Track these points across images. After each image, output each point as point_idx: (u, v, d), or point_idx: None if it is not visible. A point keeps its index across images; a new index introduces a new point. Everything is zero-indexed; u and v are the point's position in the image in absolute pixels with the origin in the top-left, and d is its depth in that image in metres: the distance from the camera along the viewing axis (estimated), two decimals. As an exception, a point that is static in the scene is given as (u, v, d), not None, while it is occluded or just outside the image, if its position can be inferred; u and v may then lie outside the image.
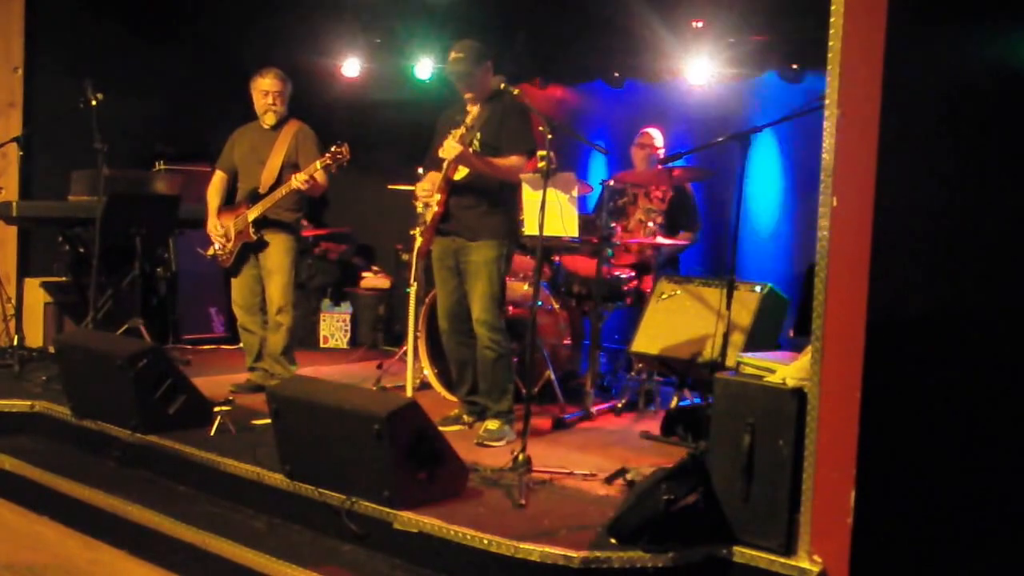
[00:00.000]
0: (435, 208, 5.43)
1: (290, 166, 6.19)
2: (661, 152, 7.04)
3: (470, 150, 5.25)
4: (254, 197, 6.20)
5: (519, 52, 7.59)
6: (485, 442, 5.25)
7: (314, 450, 4.46)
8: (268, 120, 6.31)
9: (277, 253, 6.25)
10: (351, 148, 5.97)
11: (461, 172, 5.37)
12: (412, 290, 6.15)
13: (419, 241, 5.59)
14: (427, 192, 5.48)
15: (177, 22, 8.49)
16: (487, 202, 5.38)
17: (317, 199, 8.82)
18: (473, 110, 5.32)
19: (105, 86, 6.54)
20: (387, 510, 4.18)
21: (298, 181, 5.99)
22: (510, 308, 5.97)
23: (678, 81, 7.50)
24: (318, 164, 5.96)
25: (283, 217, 6.25)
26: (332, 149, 5.96)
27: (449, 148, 5.18)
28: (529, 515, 4.17)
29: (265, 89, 6.29)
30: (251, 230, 6.18)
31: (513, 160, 5.29)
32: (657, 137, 7.09)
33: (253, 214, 6.17)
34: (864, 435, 3.37)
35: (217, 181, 6.50)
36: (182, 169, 8.32)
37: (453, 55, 5.35)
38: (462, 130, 5.23)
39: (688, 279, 6.24)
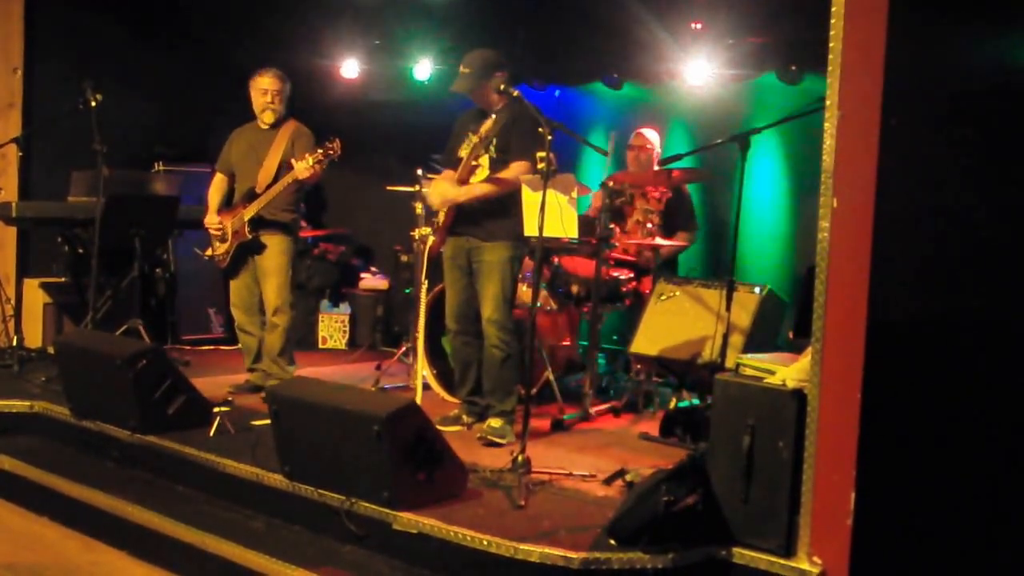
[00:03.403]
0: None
1: (287, 166, 6.18)
2: (656, 152, 7.03)
3: (470, 182, 5.39)
4: (251, 197, 6.20)
5: (519, 53, 7.58)
6: (489, 437, 5.25)
7: (313, 451, 4.46)
8: (266, 119, 6.31)
9: (274, 254, 6.25)
10: (350, 149, 5.97)
11: (478, 176, 5.39)
12: (423, 288, 6.15)
13: (431, 240, 5.60)
14: (439, 192, 5.52)
15: (176, 23, 8.48)
16: (502, 204, 5.39)
17: (316, 201, 8.84)
18: (487, 122, 5.33)
19: (104, 87, 6.54)
20: (386, 511, 4.18)
21: (299, 170, 5.97)
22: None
23: (677, 83, 7.50)
24: (310, 160, 5.95)
25: (280, 217, 6.25)
26: (325, 144, 5.96)
27: (441, 195, 5.40)
28: (528, 516, 4.17)
29: (264, 88, 6.29)
30: (247, 229, 6.17)
31: (513, 169, 5.31)
32: (651, 138, 7.08)
33: (249, 213, 6.17)
34: (864, 437, 3.38)
35: (218, 182, 6.51)
36: (181, 170, 8.32)
37: (461, 69, 5.38)
38: (475, 139, 5.26)
39: (687, 280, 6.25)
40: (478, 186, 5.40)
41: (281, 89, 6.31)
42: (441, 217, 5.52)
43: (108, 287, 7.29)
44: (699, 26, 7.09)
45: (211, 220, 6.37)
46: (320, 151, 5.95)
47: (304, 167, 5.94)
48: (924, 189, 3.52)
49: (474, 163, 5.39)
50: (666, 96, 7.75)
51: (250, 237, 6.20)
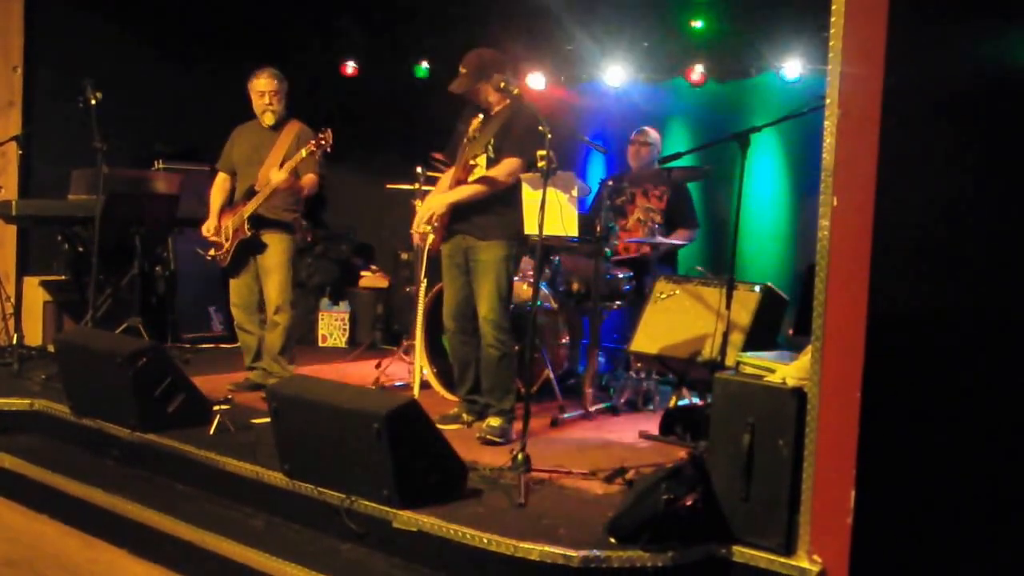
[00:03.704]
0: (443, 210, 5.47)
1: (290, 172, 6.19)
2: (658, 150, 7.04)
3: (466, 178, 5.38)
4: (251, 195, 6.20)
5: (520, 51, 7.58)
6: (488, 436, 5.25)
7: (313, 449, 4.46)
8: (267, 120, 6.31)
9: (275, 253, 6.25)
10: (350, 147, 5.98)
11: (475, 175, 5.40)
12: (422, 287, 6.15)
13: (430, 239, 5.62)
14: (443, 190, 5.54)
15: (176, 21, 8.48)
16: (498, 203, 5.39)
17: (316, 199, 8.84)
18: (475, 122, 5.34)
19: (104, 85, 6.54)
20: (386, 509, 4.17)
21: (277, 178, 5.99)
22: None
23: (677, 81, 7.51)
24: (303, 152, 5.96)
25: (281, 216, 6.25)
26: (316, 136, 5.97)
27: (435, 205, 5.40)
28: (528, 514, 4.16)
29: (261, 90, 6.28)
30: (246, 226, 6.17)
31: (503, 166, 5.31)
32: (653, 135, 7.09)
33: (248, 211, 6.17)
34: (864, 435, 3.37)
35: (220, 181, 6.51)
36: (181, 168, 8.31)
37: (460, 69, 5.39)
38: (466, 140, 5.27)
39: (687, 278, 6.24)
40: (459, 191, 5.40)
41: (278, 89, 6.30)
42: (438, 217, 5.52)
43: (108, 285, 7.30)
44: (699, 24, 7.10)
45: (207, 227, 6.37)
46: (312, 143, 5.96)
47: (280, 175, 5.99)
48: (924, 187, 3.51)
49: (472, 163, 5.40)
50: (666, 94, 7.76)
51: (250, 235, 6.19)
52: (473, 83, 5.38)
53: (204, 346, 8.12)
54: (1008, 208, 3.70)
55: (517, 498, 4.29)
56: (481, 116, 5.42)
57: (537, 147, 4.90)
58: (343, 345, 8.53)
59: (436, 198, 5.50)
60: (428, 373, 6.43)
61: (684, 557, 3.73)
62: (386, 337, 8.48)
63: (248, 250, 6.27)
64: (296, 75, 6.59)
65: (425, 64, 8.64)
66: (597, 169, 8.13)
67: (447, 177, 5.63)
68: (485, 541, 3.87)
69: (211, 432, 5.27)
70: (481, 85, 5.38)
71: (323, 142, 5.94)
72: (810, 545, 3.55)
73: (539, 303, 5.40)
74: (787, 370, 3.78)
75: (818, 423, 3.51)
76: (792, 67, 6.81)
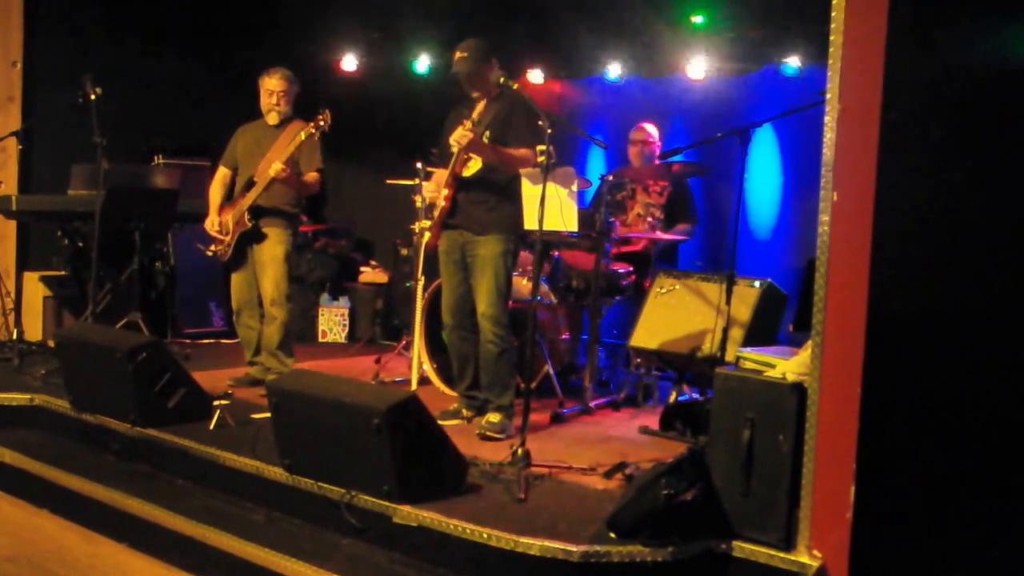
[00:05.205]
0: (442, 203, 5.45)
1: (291, 163, 6.19)
2: (657, 146, 7.04)
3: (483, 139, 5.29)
4: (250, 186, 6.21)
5: (519, 46, 7.58)
6: (487, 432, 5.25)
7: (313, 444, 4.46)
8: (272, 119, 6.34)
9: (271, 245, 6.25)
10: (350, 143, 5.98)
11: (470, 169, 5.39)
12: (420, 283, 6.14)
13: (427, 235, 5.60)
14: (434, 193, 5.52)
15: (176, 16, 8.48)
16: (494, 197, 5.39)
17: (316, 194, 8.85)
18: (479, 105, 5.35)
19: (104, 80, 6.54)
20: (386, 504, 4.18)
21: (275, 169, 5.99)
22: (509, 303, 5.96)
23: (677, 76, 7.50)
24: (302, 135, 5.97)
25: (281, 207, 6.26)
26: (315, 117, 5.98)
27: (460, 136, 5.17)
28: (528, 509, 4.17)
29: (271, 89, 6.31)
30: (247, 217, 6.17)
31: (523, 151, 5.31)
32: (652, 132, 7.09)
33: (247, 203, 6.16)
34: (864, 430, 3.38)
35: (220, 176, 6.50)
36: (181, 163, 8.32)
37: (457, 55, 5.38)
38: (469, 124, 5.25)
39: (687, 274, 6.24)
40: (495, 148, 5.29)
41: (287, 90, 6.33)
42: (436, 211, 5.51)
43: (108, 280, 7.29)
44: (699, 19, 7.10)
45: (211, 222, 6.36)
46: (311, 124, 5.97)
47: (277, 165, 5.98)
48: (924, 182, 3.51)
49: (466, 156, 5.37)
50: (666, 89, 7.76)
51: (250, 226, 6.19)
52: (473, 65, 5.35)
53: (204, 341, 8.13)
54: (1009, 202, 3.70)
55: (517, 493, 4.29)
56: (484, 102, 5.40)
57: (538, 140, 4.89)
58: (343, 340, 8.54)
59: (468, 137, 5.20)
60: (428, 369, 6.43)
61: (684, 552, 3.74)
62: (386, 332, 8.48)
63: (248, 243, 6.27)
64: (295, 71, 6.58)
65: (424, 59, 8.63)
66: (597, 164, 8.13)
67: (443, 172, 5.61)
68: (485, 536, 3.87)
69: (211, 427, 5.28)
70: (481, 68, 5.36)
71: (322, 122, 5.95)
72: (810, 540, 3.56)
73: (539, 299, 5.39)
74: (787, 365, 3.78)
75: (818, 418, 3.52)
76: (792, 62, 6.82)
